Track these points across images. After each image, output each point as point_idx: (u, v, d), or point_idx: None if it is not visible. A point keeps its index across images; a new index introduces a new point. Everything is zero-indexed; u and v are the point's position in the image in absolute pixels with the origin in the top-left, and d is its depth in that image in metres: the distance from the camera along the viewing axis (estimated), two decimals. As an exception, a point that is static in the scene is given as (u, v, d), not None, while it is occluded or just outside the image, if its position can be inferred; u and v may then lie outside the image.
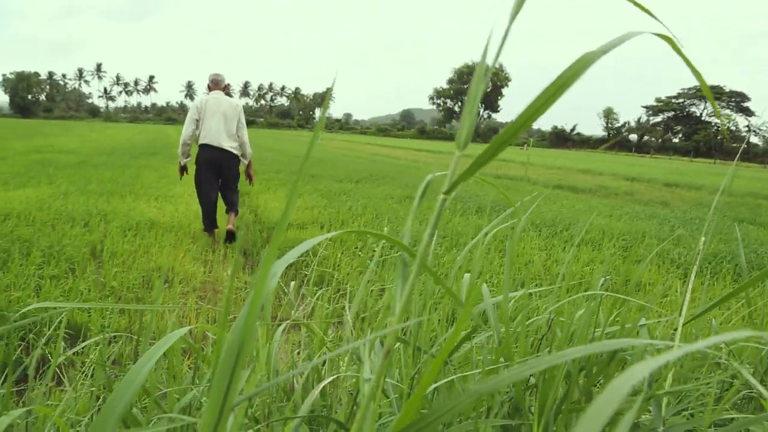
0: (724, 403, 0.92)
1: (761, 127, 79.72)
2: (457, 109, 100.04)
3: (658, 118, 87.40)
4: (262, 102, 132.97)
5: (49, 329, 2.42)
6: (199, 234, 5.00)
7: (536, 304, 2.31)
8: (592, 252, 4.86)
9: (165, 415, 0.91)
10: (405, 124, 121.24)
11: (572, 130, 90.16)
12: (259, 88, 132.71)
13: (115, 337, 2.50)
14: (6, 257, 3.54)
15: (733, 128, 78.39)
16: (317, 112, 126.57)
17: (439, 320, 1.30)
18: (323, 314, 1.56)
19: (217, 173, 4.96)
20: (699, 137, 77.74)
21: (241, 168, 5.20)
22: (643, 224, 7.06)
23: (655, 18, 0.46)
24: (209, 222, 4.95)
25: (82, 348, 2.17)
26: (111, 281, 3.39)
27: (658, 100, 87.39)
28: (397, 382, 0.98)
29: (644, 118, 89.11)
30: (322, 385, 0.73)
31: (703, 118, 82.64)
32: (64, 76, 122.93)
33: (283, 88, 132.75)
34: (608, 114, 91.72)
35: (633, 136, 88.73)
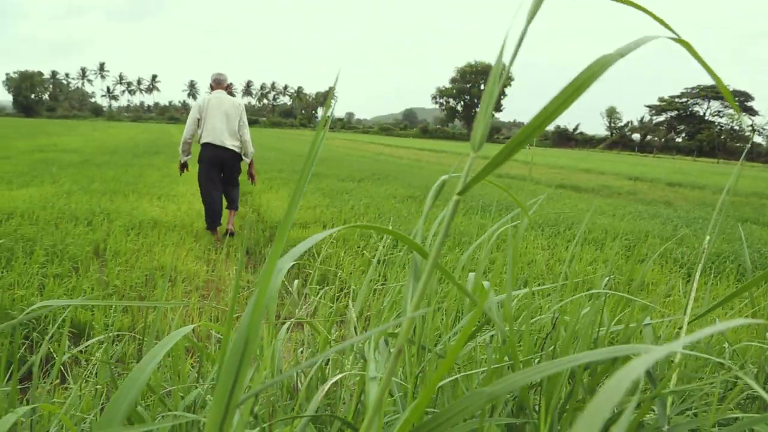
0: (728, 402, 0.92)
1: (765, 127, 79.47)
2: (459, 108, 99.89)
3: (661, 118, 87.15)
4: (265, 101, 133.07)
5: (53, 327, 2.43)
6: (202, 233, 5.01)
7: (539, 304, 2.31)
8: (595, 251, 4.85)
9: (170, 413, 0.91)
10: (407, 124, 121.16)
11: (575, 129, 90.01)
12: (262, 87, 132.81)
13: (118, 336, 2.50)
14: (10, 256, 3.55)
15: (737, 127, 78.11)
16: (320, 111, 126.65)
17: (442, 319, 1.30)
18: (326, 313, 1.57)
19: (220, 171, 5.00)
20: (702, 137, 77.52)
21: (243, 167, 5.22)
22: (646, 224, 7.05)
23: (662, 22, 0.46)
24: (212, 220, 4.98)
25: (86, 346, 2.18)
26: (114, 280, 3.39)
27: (661, 99, 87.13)
28: (401, 380, 0.98)
29: (647, 118, 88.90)
30: (330, 382, 0.73)
31: (706, 118, 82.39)
32: (67, 75, 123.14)
33: (285, 88, 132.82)
34: (611, 113, 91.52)
35: (636, 136, 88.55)
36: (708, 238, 0.95)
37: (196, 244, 4.57)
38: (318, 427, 0.98)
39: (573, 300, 1.11)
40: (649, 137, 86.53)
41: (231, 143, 4.88)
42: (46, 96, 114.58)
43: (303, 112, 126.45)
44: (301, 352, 1.54)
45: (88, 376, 1.58)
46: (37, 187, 7.03)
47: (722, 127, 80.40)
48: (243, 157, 5.05)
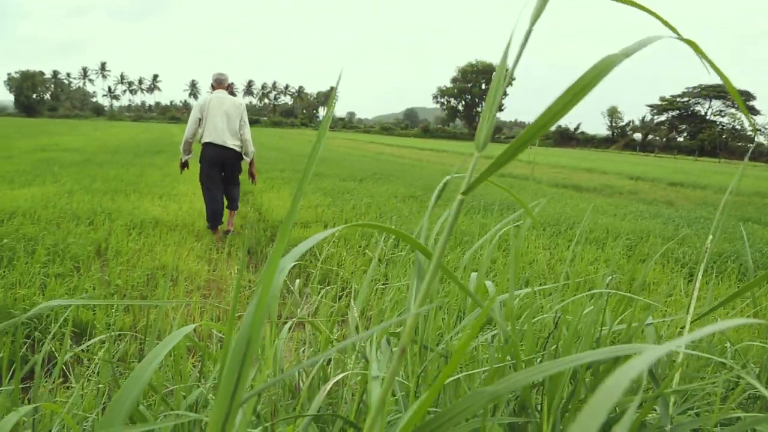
0: (730, 402, 0.91)
1: (766, 126, 79.30)
2: (461, 108, 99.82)
3: (663, 117, 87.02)
4: (266, 101, 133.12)
5: (54, 326, 2.43)
6: (203, 232, 5.02)
7: (540, 303, 2.31)
8: (596, 251, 4.84)
9: (172, 412, 0.91)
10: (409, 123, 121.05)
11: (576, 129, 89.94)
12: (263, 87, 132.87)
13: (119, 335, 2.51)
14: (11, 255, 3.55)
15: (739, 127, 78.00)
16: (321, 111, 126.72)
17: (443, 318, 1.30)
18: (328, 312, 1.57)
19: (221, 171, 5.04)
20: (704, 136, 77.40)
21: (244, 166, 5.23)
22: (647, 223, 7.04)
23: (665, 22, 0.45)
24: (213, 219, 5.00)
25: (87, 346, 2.19)
26: (116, 279, 3.40)
27: (662, 98, 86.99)
28: (403, 379, 0.98)
29: (648, 117, 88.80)
30: (332, 382, 0.73)
31: (707, 117, 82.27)
32: (68, 75, 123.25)
33: (286, 87, 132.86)
34: (612, 113, 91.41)
35: (637, 135, 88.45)
36: (711, 237, 0.95)
37: (198, 244, 4.57)
38: (320, 426, 0.98)
39: (575, 300, 1.11)
40: (650, 137, 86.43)
41: (232, 142, 4.92)
42: (47, 96, 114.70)
43: (304, 111, 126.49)
44: (303, 351, 1.54)
45: (89, 376, 1.58)
46: (39, 186, 7.04)
47: (724, 126, 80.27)
48: (243, 157, 5.07)
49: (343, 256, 4.17)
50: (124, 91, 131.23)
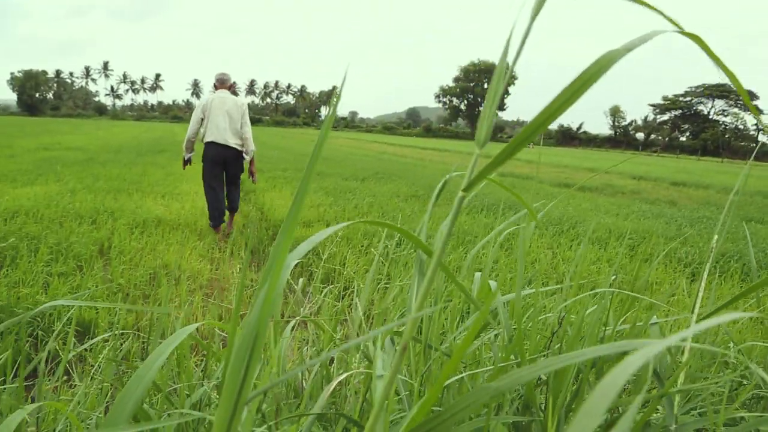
0: (737, 401, 0.91)
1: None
2: (463, 107, 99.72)
3: (665, 117, 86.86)
4: (268, 100, 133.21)
5: (58, 325, 2.44)
6: (206, 231, 5.02)
7: (543, 303, 2.31)
8: (598, 251, 4.84)
9: (176, 410, 0.91)
10: (411, 122, 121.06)
11: (579, 128, 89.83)
12: (265, 86, 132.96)
13: (122, 334, 2.51)
14: (14, 254, 3.56)
15: (741, 127, 77.81)
16: (323, 110, 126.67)
17: (447, 318, 1.30)
18: (331, 311, 1.57)
19: (223, 170, 5.07)
20: (706, 136, 77.23)
21: (245, 165, 5.25)
22: (650, 223, 7.03)
23: (669, 19, 0.45)
24: (216, 218, 5.02)
25: (91, 345, 2.19)
26: (118, 278, 3.40)
27: (665, 98, 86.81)
28: (407, 378, 0.98)
29: (651, 117, 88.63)
30: (336, 381, 0.73)
31: (710, 117, 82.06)
32: (71, 74, 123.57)
33: (288, 87, 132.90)
34: (615, 112, 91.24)
35: (640, 135, 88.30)
36: (716, 237, 0.95)
37: (200, 243, 4.58)
38: (323, 425, 0.98)
39: (578, 299, 1.11)
40: (653, 136, 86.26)
41: (234, 142, 4.95)
42: (50, 95, 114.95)
43: (306, 111, 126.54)
44: (306, 350, 1.54)
45: (93, 374, 1.59)
46: (42, 185, 7.06)
47: (727, 126, 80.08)
48: (243, 155, 5.09)
49: (346, 255, 4.17)
50: (127, 90, 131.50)
